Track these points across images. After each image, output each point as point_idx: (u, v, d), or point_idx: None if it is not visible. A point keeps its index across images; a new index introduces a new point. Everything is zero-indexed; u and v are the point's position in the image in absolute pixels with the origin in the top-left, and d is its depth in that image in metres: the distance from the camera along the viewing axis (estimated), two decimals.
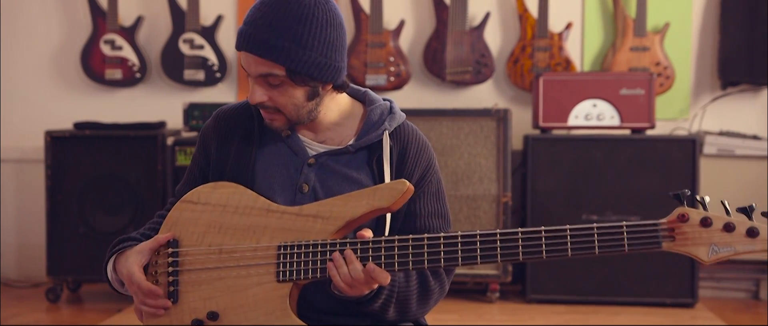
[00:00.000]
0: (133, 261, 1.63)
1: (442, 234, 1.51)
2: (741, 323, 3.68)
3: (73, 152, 3.92)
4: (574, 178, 3.81)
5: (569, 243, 1.43)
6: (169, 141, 3.92)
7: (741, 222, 1.34)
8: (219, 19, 4.32)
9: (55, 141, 3.91)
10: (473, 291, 4.02)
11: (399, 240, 1.52)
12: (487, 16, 4.21)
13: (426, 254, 1.51)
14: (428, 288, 1.65)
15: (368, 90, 1.75)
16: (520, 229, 1.46)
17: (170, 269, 1.65)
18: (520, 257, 1.46)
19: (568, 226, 1.42)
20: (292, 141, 1.68)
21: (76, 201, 3.90)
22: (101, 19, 4.31)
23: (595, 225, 1.42)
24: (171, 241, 1.66)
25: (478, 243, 1.49)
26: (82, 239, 3.89)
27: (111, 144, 3.92)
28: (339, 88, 1.66)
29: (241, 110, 1.75)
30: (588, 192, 3.80)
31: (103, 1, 4.32)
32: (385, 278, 1.51)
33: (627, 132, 3.88)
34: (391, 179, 1.65)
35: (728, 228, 1.34)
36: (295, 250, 1.58)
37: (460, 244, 1.50)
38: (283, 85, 1.58)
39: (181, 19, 4.29)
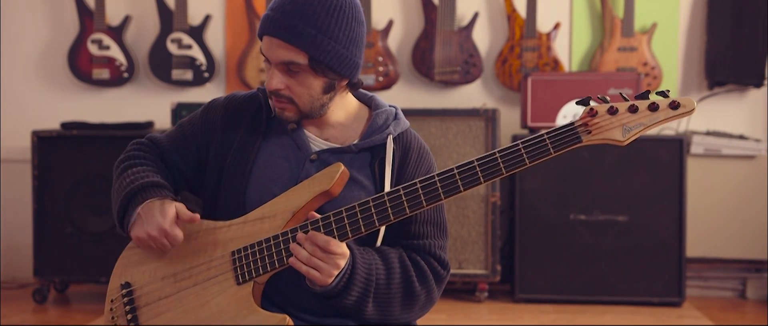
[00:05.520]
0: (170, 207, 1.62)
1: (369, 198, 1.56)
2: (728, 322, 3.69)
3: (60, 152, 3.90)
4: (563, 178, 3.82)
5: (501, 165, 1.51)
6: None
7: (643, 102, 1.48)
8: (207, 18, 4.31)
9: (42, 141, 3.89)
10: (462, 291, 4.02)
11: (334, 214, 1.56)
12: (475, 16, 4.22)
13: (359, 219, 1.55)
14: (413, 292, 1.64)
15: (375, 95, 1.77)
16: (454, 167, 1.54)
17: (127, 307, 1.67)
18: (461, 188, 1.52)
19: (496, 150, 1.53)
20: (297, 135, 1.69)
21: (63, 201, 3.88)
22: (88, 19, 4.30)
23: (520, 141, 1.52)
24: (123, 284, 1.68)
25: (420, 188, 1.54)
26: (70, 239, 3.87)
27: (98, 144, 3.90)
28: (353, 85, 1.68)
29: (253, 100, 1.76)
30: (576, 192, 3.82)
31: (90, 1, 4.30)
32: (338, 244, 1.54)
33: None
34: (391, 183, 1.65)
35: (632, 109, 1.47)
36: (249, 251, 1.60)
37: (387, 201, 1.54)
38: (303, 74, 1.59)
39: (169, 19, 4.28)
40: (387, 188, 1.64)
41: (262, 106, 1.73)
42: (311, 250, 1.54)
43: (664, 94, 1.47)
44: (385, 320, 1.65)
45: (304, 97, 1.61)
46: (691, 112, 1.44)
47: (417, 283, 1.64)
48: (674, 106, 1.45)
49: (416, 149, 1.71)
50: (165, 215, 1.60)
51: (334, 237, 1.55)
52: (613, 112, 1.48)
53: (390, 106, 1.75)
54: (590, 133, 1.49)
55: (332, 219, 1.56)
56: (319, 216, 1.57)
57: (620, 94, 1.50)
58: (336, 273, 1.55)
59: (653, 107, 1.46)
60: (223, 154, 1.71)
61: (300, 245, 1.55)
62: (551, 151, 1.49)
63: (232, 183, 1.68)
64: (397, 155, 1.68)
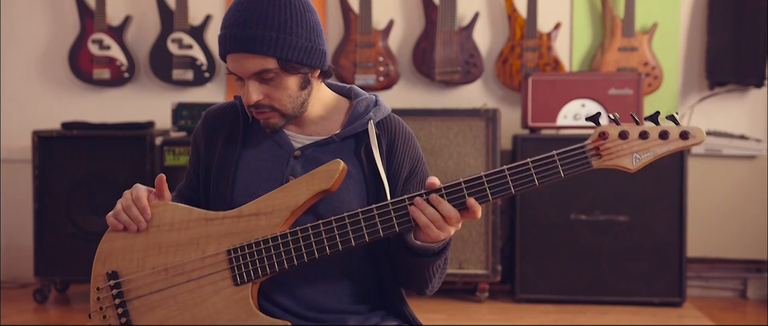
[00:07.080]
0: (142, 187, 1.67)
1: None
2: (728, 322, 3.69)
3: (61, 152, 3.90)
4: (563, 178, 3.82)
5: (510, 182, 1.50)
6: (158, 141, 3.91)
7: (653, 128, 1.46)
8: (207, 18, 4.31)
9: (43, 141, 3.89)
10: (462, 291, 4.02)
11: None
12: (476, 16, 4.22)
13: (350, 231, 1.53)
14: (447, 261, 1.68)
15: (354, 85, 1.77)
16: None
17: (117, 301, 1.62)
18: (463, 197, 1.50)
19: (505, 167, 1.51)
20: (278, 136, 1.70)
21: (63, 201, 3.88)
22: (89, 19, 4.30)
23: (529, 159, 1.50)
24: (110, 273, 1.63)
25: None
26: (70, 239, 3.87)
27: (99, 144, 3.90)
28: (325, 74, 1.69)
29: (228, 109, 1.77)
30: (576, 192, 3.82)
31: (90, 1, 4.30)
32: (477, 209, 1.52)
33: None
34: (383, 168, 1.66)
35: (643, 136, 1.46)
36: (247, 251, 1.57)
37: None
38: (277, 78, 1.60)
39: (169, 19, 4.28)
40: (381, 171, 1.65)
41: (238, 114, 1.74)
42: (452, 221, 1.51)
43: (674, 118, 1.46)
44: (427, 286, 1.67)
45: (284, 99, 1.62)
46: (700, 142, 1.45)
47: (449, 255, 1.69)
48: (685, 136, 1.45)
49: (402, 135, 1.72)
50: (135, 188, 1.67)
51: (350, 240, 1.54)
52: (624, 136, 1.47)
53: (370, 94, 1.76)
54: (600, 157, 1.49)
55: (348, 220, 1.54)
56: (441, 184, 1.53)
57: (632, 115, 1.49)
58: (444, 237, 1.55)
59: (664, 135, 1.46)
60: (208, 167, 1.73)
61: (428, 205, 1.52)
62: (561, 173, 1.50)
63: (219, 193, 1.69)
64: (384, 141, 1.69)
